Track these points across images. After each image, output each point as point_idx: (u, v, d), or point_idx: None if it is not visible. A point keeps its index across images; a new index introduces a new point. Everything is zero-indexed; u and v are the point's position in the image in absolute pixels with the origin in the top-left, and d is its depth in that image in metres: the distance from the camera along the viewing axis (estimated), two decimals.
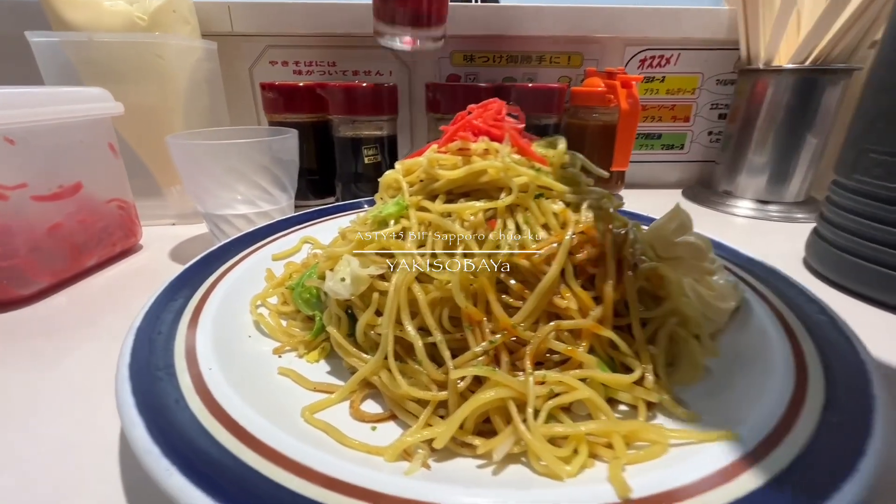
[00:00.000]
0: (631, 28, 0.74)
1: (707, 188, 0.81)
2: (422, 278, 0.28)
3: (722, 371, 0.29)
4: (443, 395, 0.25)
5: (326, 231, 0.47)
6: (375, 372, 0.27)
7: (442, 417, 0.25)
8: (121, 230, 0.51)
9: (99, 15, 0.53)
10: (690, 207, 0.73)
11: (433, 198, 0.32)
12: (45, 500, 0.23)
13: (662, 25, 0.74)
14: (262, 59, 0.73)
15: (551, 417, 0.24)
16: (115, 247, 0.51)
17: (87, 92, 0.46)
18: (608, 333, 0.27)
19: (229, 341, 0.30)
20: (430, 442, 0.23)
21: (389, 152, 0.65)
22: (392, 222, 0.31)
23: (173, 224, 0.62)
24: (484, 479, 0.22)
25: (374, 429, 0.25)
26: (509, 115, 0.36)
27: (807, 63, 0.63)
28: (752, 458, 0.20)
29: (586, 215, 0.30)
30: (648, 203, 0.49)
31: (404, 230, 0.31)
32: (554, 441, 0.23)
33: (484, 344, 0.26)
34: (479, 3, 0.81)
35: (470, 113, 0.36)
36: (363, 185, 0.64)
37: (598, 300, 0.28)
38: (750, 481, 0.19)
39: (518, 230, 0.29)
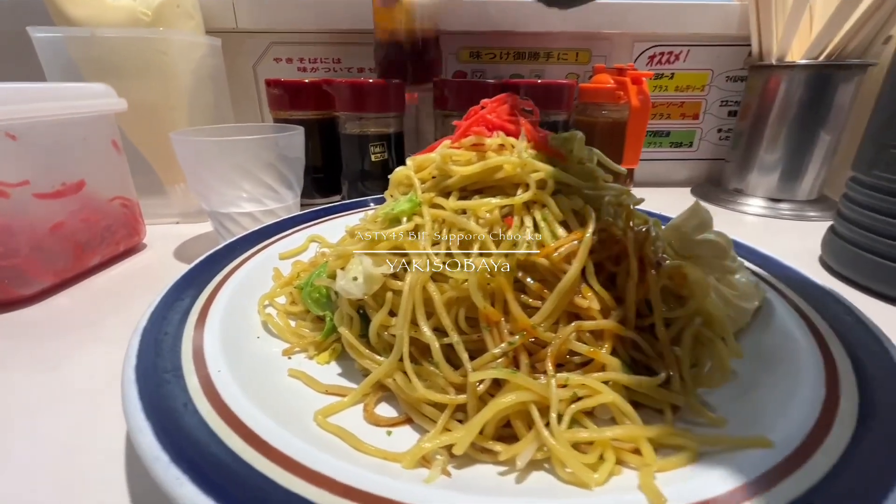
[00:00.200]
0: (640, 24, 0.73)
1: (717, 186, 0.80)
2: (436, 277, 0.27)
3: (746, 373, 0.28)
4: (461, 398, 0.24)
5: (333, 230, 0.46)
6: (390, 374, 0.26)
7: (460, 422, 0.24)
8: (124, 229, 0.50)
9: (102, 10, 0.53)
10: None
11: (446, 195, 0.31)
12: None
13: (672, 21, 0.73)
14: (267, 55, 0.72)
15: (574, 422, 0.23)
16: (119, 246, 0.50)
17: (90, 88, 0.46)
18: (631, 334, 0.26)
19: (238, 342, 0.29)
20: (448, 448, 0.22)
21: (396, 150, 0.64)
22: (405, 220, 0.30)
23: (177, 223, 0.61)
24: (508, 488, 0.21)
25: (389, 433, 0.25)
26: (523, 110, 0.35)
27: (821, 58, 0.62)
28: (788, 465, 0.19)
29: (606, 211, 0.29)
30: (658, 201, 0.48)
31: (417, 228, 0.30)
32: (577, 447, 0.22)
33: (503, 345, 0.25)
34: None
35: (483, 108, 0.35)
36: (369, 183, 0.63)
37: (618, 300, 0.27)
38: (790, 490, 0.18)
39: (536, 228, 0.28)
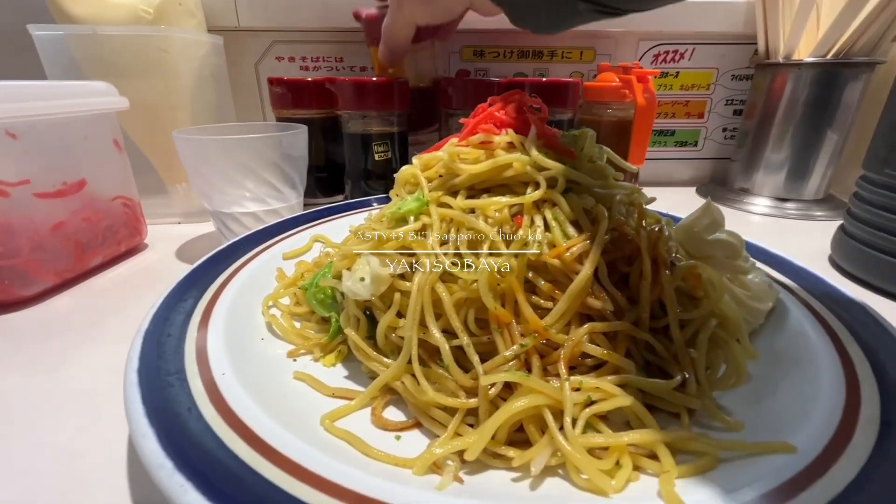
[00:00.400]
0: (645, 22, 0.72)
1: (722, 185, 0.79)
2: (445, 278, 0.26)
3: (761, 375, 0.27)
4: (472, 402, 0.23)
5: (336, 230, 0.46)
6: (398, 377, 0.25)
7: (471, 426, 0.24)
8: (126, 229, 0.50)
9: (103, 8, 0.52)
10: None
11: (454, 194, 0.30)
12: None
13: (677, 19, 0.72)
14: (269, 54, 0.72)
15: (589, 426, 0.22)
16: (120, 246, 0.49)
17: (91, 86, 0.45)
18: (645, 336, 0.25)
19: (242, 344, 0.28)
20: (460, 453, 0.21)
21: (400, 148, 0.63)
22: (412, 219, 0.30)
23: (179, 223, 0.60)
24: (522, 494, 0.20)
25: (398, 438, 0.24)
26: (531, 107, 0.35)
27: (828, 56, 0.61)
28: (811, 473, 0.19)
29: (618, 210, 0.28)
30: (663, 201, 0.48)
31: (424, 227, 0.29)
32: (592, 452, 0.21)
33: (515, 348, 0.24)
34: None
35: (491, 105, 0.34)
36: (373, 182, 0.62)
37: (631, 301, 0.26)
38: (816, 498, 0.17)
39: (546, 227, 0.27)
